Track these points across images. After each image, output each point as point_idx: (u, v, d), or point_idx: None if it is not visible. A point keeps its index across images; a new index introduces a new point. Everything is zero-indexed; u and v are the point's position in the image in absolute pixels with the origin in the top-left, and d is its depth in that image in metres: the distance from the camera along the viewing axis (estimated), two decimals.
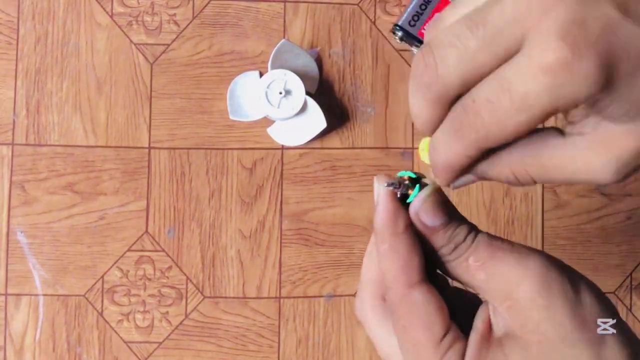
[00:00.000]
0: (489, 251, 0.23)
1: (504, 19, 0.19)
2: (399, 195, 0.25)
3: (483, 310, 0.24)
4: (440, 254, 0.24)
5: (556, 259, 0.24)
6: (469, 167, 0.23)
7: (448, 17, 0.21)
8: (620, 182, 0.21)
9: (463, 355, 0.23)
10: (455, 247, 0.24)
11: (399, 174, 0.25)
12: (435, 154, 0.23)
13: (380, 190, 0.25)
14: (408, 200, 0.25)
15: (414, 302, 0.24)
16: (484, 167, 0.23)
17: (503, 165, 0.22)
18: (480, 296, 0.25)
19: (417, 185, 0.24)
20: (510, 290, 0.23)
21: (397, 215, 0.24)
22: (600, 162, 0.20)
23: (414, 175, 0.25)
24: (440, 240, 0.24)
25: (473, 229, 0.24)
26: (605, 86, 0.19)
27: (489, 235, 0.24)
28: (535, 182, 0.23)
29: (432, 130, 0.22)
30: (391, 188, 0.24)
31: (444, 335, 0.24)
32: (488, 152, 0.22)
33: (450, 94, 0.21)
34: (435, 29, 0.22)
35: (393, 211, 0.24)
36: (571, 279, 0.23)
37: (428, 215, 0.24)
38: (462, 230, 0.24)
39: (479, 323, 0.24)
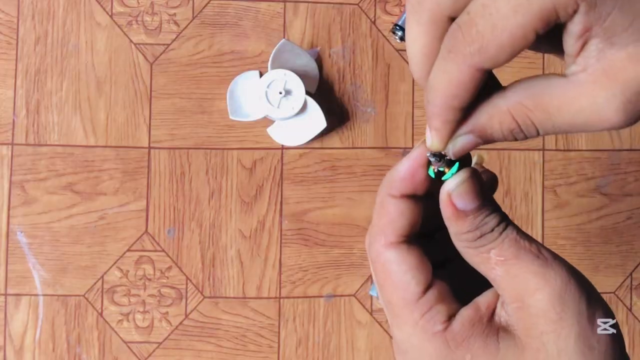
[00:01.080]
0: (514, 249, 0.22)
1: None
2: (435, 170, 0.23)
3: (491, 293, 0.23)
4: (462, 239, 0.23)
5: (579, 274, 0.23)
6: (470, 100, 0.21)
7: None
8: (630, 124, 0.19)
9: (449, 317, 0.23)
10: (481, 236, 0.22)
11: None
12: (432, 92, 0.21)
13: (413, 152, 0.23)
14: (444, 178, 0.23)
15: (387, 260, 0.23)
16: (483, 119, 0.21)
17: (503, 113, 0.20)
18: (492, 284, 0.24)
19: (457, 164, 0.23)
20: (525, 294, 0.22)
21: (412, 175, 0.23)
22: (604, 96, 0.19)
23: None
24: (467, 226, 0.22)
25: (503, 220, 0.23)
26: None
27: (517, 230, 0.23)
28: (538, 133, 0.21)
29: (427, 70, 0.21)
30: (431, 158, 0.23)
31: (422, 294, 0.23)
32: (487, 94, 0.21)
33: (445, 11, 0.20)
34: None
35: (410, 170, 0.23)
36: (589, 301, 0.22)
37: (461, 198, 0.22)
38: (492, 220, 0.22)
39: (482, 301, 0.23)
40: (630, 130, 0.78)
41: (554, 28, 0.20)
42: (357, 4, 0.76)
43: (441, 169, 0.23)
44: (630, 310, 0.76)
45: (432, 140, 0.22)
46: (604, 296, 0.77)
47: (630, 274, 0.77)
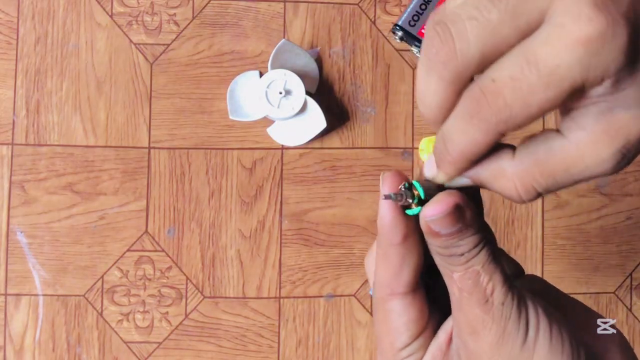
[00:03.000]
0: (472, 283, 0.22)
1: None
2: (403, 205, 0.23)
3: (450, 320, 0.24)
4: (434, 250, 0.23)
5: (521, 312, 0.23)
6: (482, 157, 0.21)
7: None
8: (619, 171, 0.20)
9: None
10: (450, 256, 0.23)
11: (403, 185, 0.23)
12: (450, 144, 0.21)
13: (381, 209, 0.24)
14: (409, 212, 0.23)
15: (390, 310, 0.24)
16: (486, 176, 0.22)
17: (507, 179, 0.21)
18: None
19: (418, 196, 0.23)
20: (466, 331, 0.22)
21: (395, 224, 0.24)
22: (609, 153, 0.19)
23: (416, 183, 0.23)
24: (440, 242, 0.23)
25: (476, 246, 0.22)
26: (633, 60, 0.18)
27: (487, 260, 0.22)
28: (537, 196, 0.21)
29: (442, 118, 0.21)
30: (391, 199, 0.23)
31: (406, 346, 0.24)
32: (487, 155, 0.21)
33: (469, 72, 0.20)
34: (447, 6, 0.20)
35: (391, 220, 0.23)
36: (526, 349, 0.22)
37: (436, 224, 0.22)
38: (465, 245, 0.22)
39: (441, 333, 0.24)
40: None
41: None
42: (357, 4, 0.76)
43: (411, 200, 0.23)
44: (630, 310, 0.76)
45: (438, 177, 0.23)
46: (604, 296, 0.77)
47: (630, 274, 0.77)
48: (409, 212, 0.23)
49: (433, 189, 0.23)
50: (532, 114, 0.19)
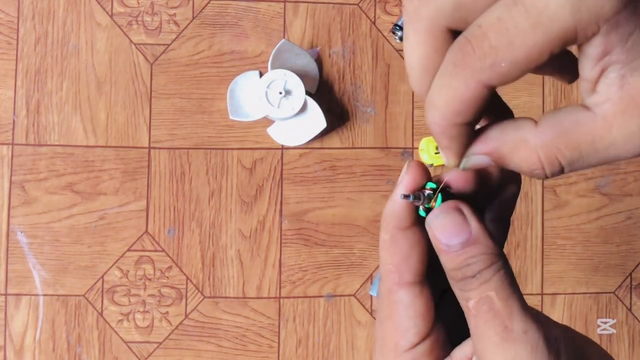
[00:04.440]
0: (487, 309, 0.20)
1: None
2: (423, 209, 0.22)
3: (469, 344, 0.22)
4: (448, 274, 0.21)
5: (550, 341, 0.20)
6: (474, 118, 0.19)
7: None
8: None
9: None
10: (462, 279, 0.21)
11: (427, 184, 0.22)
12: (431, 107, 0.19)
13: (397, 187, 0.22)
14: (421, 213, 0.22)
15: (396, 301, 0.22)
16: (507, 149, 0.20)
17: (531, 150, 0.19)
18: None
19: (439, 197, 0.21)
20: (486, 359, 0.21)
21: (407, 208, 0.22)
22: (637, 126, 0.18)
23: (434, 186, 0.21)
24: (451, 263, 0.21)
25: (493, 264, 0.21)
26: (631, 1, 0.17)
27: (503, 283, 0.21)
28: (562, 171, 0.20)
29: (427, 84, 0.20)
30: (409, 200, 0.21)
31: (414, 345, 0.22)
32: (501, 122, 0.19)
33: (444, 19, 0.19)
34: None
35: (403, 204, 0.22)
36: None
37: (443, 234, 0.21)
38: (478, 263, 0.20)
39: (459, 354, 0.22)
40: None
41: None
42: (357, 4, 0.76)
43: (427, 205, 0.21)
44: (630, 310, 0.76)
45: (446, 158, 0.21)
46: (604, 296, 0.77)
47: (630, 274, 0.77)
48: (421, 212, 0.22)
49: (456, 196, 0.22)
50: (519, 60, 0.18)
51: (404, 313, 0.22)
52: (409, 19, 0.19)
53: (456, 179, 0.22)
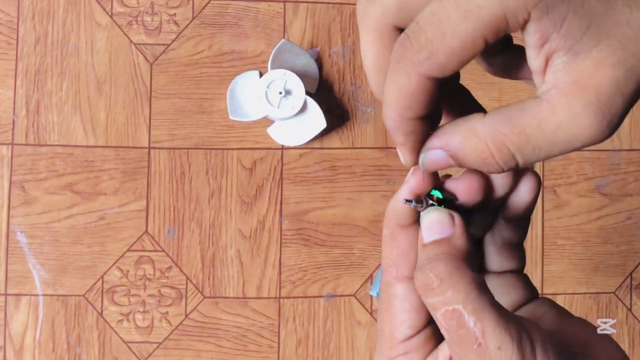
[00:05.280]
0: (455, 323, 0.20)
1: None
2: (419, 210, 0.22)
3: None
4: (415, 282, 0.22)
5: (525, 355, 0.20)
6: (424, 112, 0.20)
7: None
8: (611, 133, 0.18)
9: None
10: (424, 285, 0.21)
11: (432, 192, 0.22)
12: (385, 103, 0.20)
13: (398, 203, 0.23)
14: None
15: (394, 294, 0.23)
16: (457, 140, 0.20)
17: (478, 139, 0.20)
18: None
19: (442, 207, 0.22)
20: None
21: (408, 207, 0.22)
22: (580, 104, 0.18)
23: (440, 195, 0.22)
24: (419, 259, 0.22)
25: (458, 269, 0.20)
26: None
27: (473, 293, 0.20)
28: (517, 163, 0.20)
29: (383, 77, 0.20)
30: (411, 205, 0.22)
31: (409, 338, 0.23)
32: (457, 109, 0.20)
33: (390, 18, 0.20)
34: None
35: (404, 203, 0.23)
36: None
37: (427, 230, 0.22)
38: (441, 262, 0.21)
39: (442, 353, 0.23)
40: (630, 130, 0.78)
41: (516, 53, 0.20)
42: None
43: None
44: (630, 310, 0.76)
45: (402, 155, 0.21)
46: (604, 296, 0.77)
47: (630, 274, 0.77)
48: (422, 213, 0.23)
49: (460, 208, 0.22)
50: (454, 50, 0.18)
51: (399, 306, 0.23)
52: (359, 19, 0.20)
53: (462, 189, 0.22)
